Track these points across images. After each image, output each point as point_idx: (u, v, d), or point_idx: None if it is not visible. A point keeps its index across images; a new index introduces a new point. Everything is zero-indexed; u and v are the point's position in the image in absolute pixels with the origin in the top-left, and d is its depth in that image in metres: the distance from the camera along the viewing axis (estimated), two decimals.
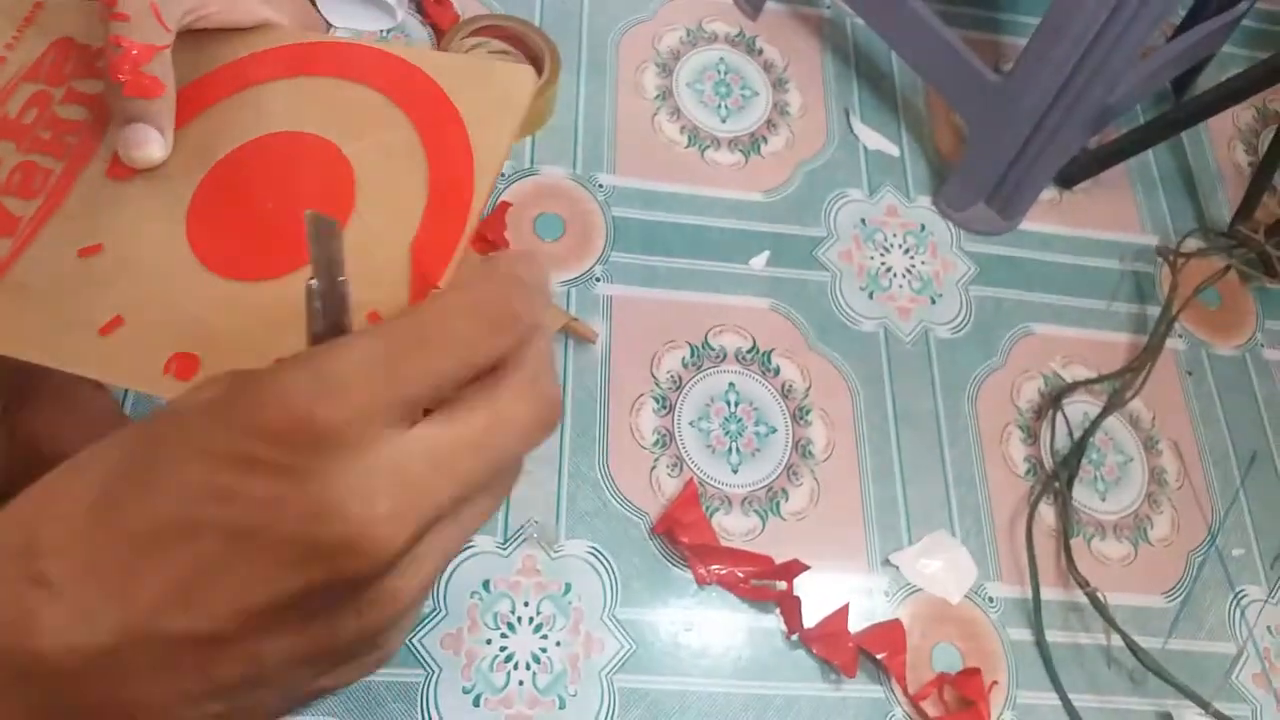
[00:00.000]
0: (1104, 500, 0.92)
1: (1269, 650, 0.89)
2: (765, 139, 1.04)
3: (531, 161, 0.97)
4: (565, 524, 0.81)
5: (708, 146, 1.02)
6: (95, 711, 0.26)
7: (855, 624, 0.81)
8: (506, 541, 0.80)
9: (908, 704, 0.79)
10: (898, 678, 0.80)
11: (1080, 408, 0.96)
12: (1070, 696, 0.82)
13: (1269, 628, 0.90)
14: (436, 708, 0.73)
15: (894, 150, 1.07)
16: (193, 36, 0.43)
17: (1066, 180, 1.08)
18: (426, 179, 0.38)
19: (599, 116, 1.01)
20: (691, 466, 0.85)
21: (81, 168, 0.41)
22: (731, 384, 0.90)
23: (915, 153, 1.07)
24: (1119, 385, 0.96)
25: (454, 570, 0.78)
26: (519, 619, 0.77)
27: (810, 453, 0.88)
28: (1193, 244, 1.05)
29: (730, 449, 0.87)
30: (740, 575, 0.81)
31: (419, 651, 0.75)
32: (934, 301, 0.99)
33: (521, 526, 0.80)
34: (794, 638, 0.80)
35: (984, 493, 0.90)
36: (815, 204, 1.02)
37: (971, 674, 0.81)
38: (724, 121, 1.04)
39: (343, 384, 0.25)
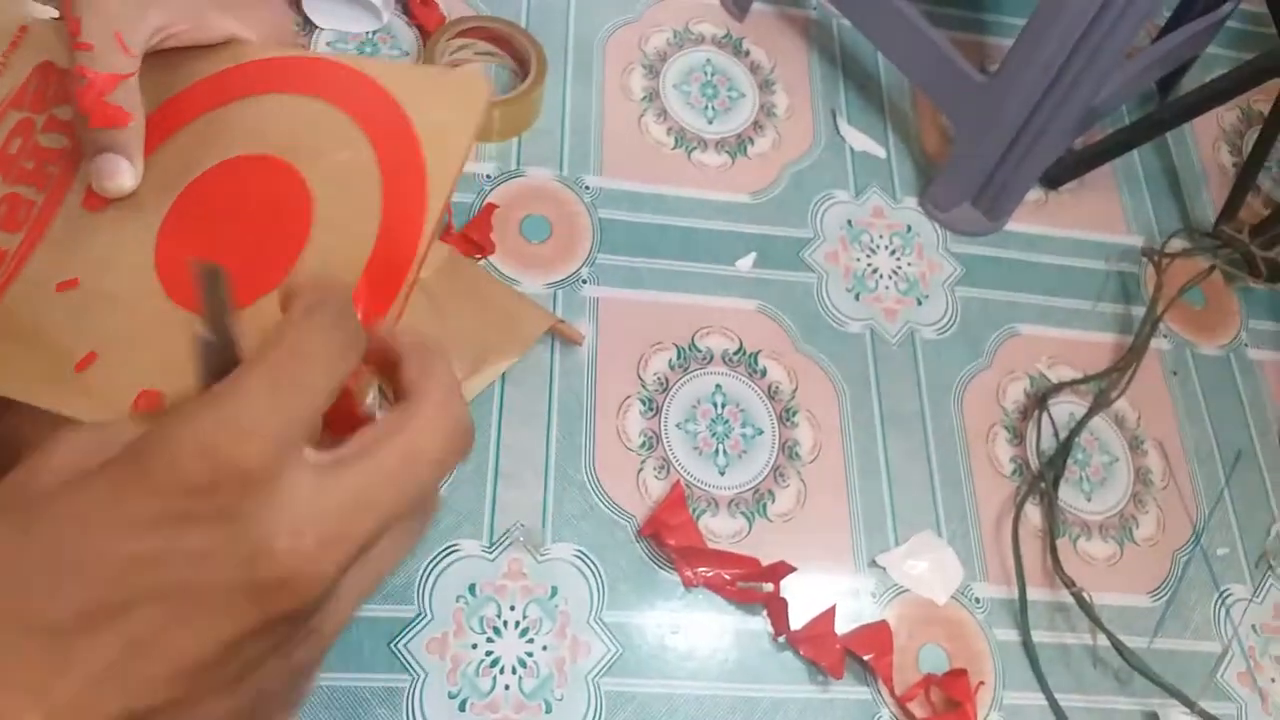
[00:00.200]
0: (1090, 500, 0.92)
1: (1254, 649, 0.89)
2: (752, 140, 1.04)
3: (518, 163, 0.96)
4: (551, 527, 0.81)
5: (694, 148, 1.02)
6: None
7: (842, 625, 0.81)
8: (492, 545, 0.79)
9: (894, 705, 0.80)
10: (885, 679, 0.80)
11: (1066, 408, 0.96)
12: (1057, 696, 0.82)
13: (1254, 626, 0.90)
14: (422, 713, 0.73)
15: (880, 151, 1.07)
16: (160, 56, 0.43)
17: (1052, 181, 1.08)
18: (381, 202, 0.38)
19: (585, 118, 1.01)
20: (678, 469, 0.85)
21: (61, 198, 0.41)
22: (718, 386, 0.90)
23: (901, 154, 1.07)
24: (1104, 385, 0.96)
25: (439, 574, 0.78)
26: (505, 623, 0.77)
27: (797, 454, 0.88)
28: (1177, 244, 1.06)
29: (717, 451, 0.87)
30: (727, 577, 0.81)
31: (404, 657, 0.74)
32: (920, 302, 0.99)
33: (507, 530, 0.80)
34: (781, 639, 0.80)
35: (970, 493, 0.90)
36: (802, 205, 1.02)
37: (958, 675, 0.81)
38: (711, 123, 1.04)
39: (252, 423, 0.25)
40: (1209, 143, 1.18)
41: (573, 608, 0.78)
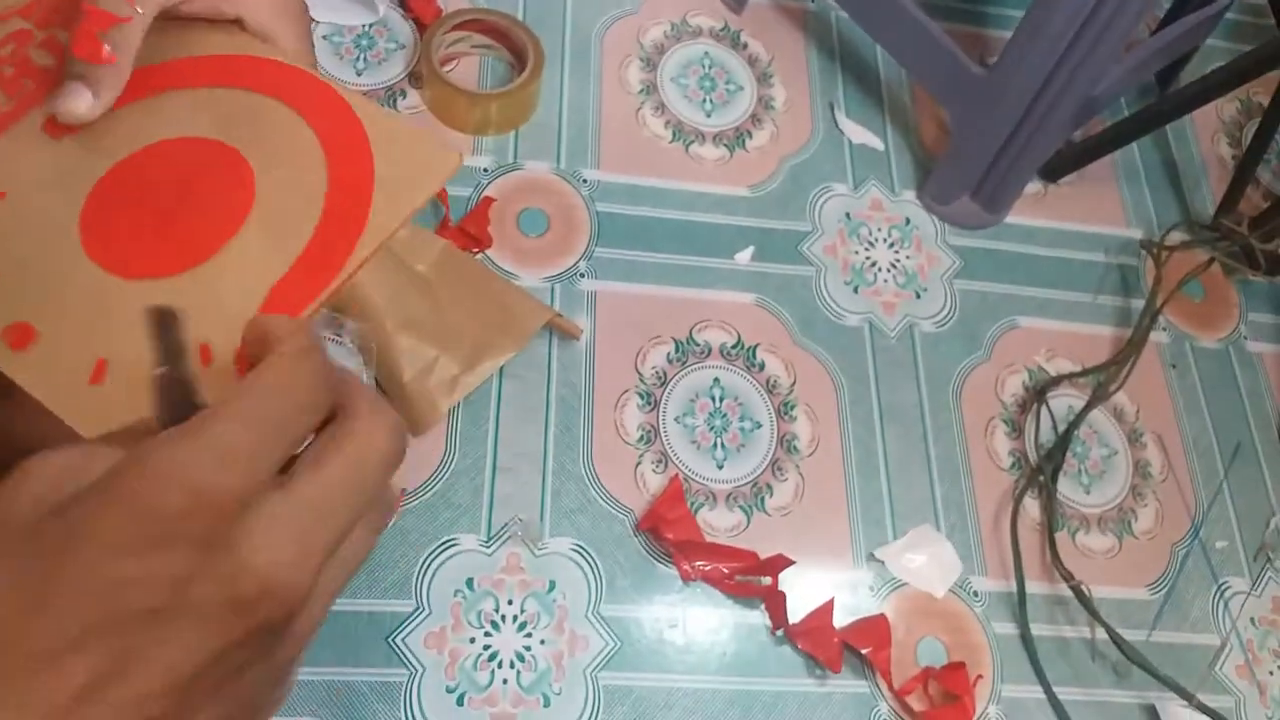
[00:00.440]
0: (1088, 493, 0.92)
1: (1252, 642, 0.89)
2: (750, 133, 1.04)
3: (515, 156, 0.96)
4: (549, 521, 0.81)
5: (692, 141, 1.02)
6: None
7: (840, 619, 0.81)
8: (490, 539, 0.79)
9: (893, 699, 0.80)
10: (883, 672, 0.80)
11: (1065, 401, 0.96)
12: (1055, 689, 0.82)
13: (1252, 619, 0.90)
14: (420, 707, 0.73)
15: (879, 144, 1.07)
16: (174, 24, 0.44)
17: (1051, 174, 1.08)
18: (314, 228, 0.39)
19: (583, 111, 1.00)
20: (676, 462, 0.85)
21: (25, 112, 0.42)
22: (716, 379, 0.90)
23: (900, 147, 1.07)
24: (1103, 378, 0.96)
25: (437, 569, 0.77)
26: (503, 617, 0.77)
27: (795, 448, 0.88)
28: (1176, 237, 1.05)
29: (715, 444, 0.87)
30: (725, 571, 0.81)
31: (402, 651, 0.74)
32: (919, 296, 0.99)
33: (505, 524, 0.80)
34: (779, 633, 0.80)
35: (969, 487, 0.90)
36: (800, 198, 1.01)
37: (956, 668, 0.81)
38: (709, 116, 1.04)
39: (227, 452, 0.27)
40: (1208, 135, 1.18)
41: (571, 602, 0.78)
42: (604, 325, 0.90)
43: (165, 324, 0.31)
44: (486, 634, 0.76)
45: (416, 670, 0.74)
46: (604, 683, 0.76)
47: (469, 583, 0.77)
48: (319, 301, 0.38)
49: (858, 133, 1.06)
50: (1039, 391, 0.95)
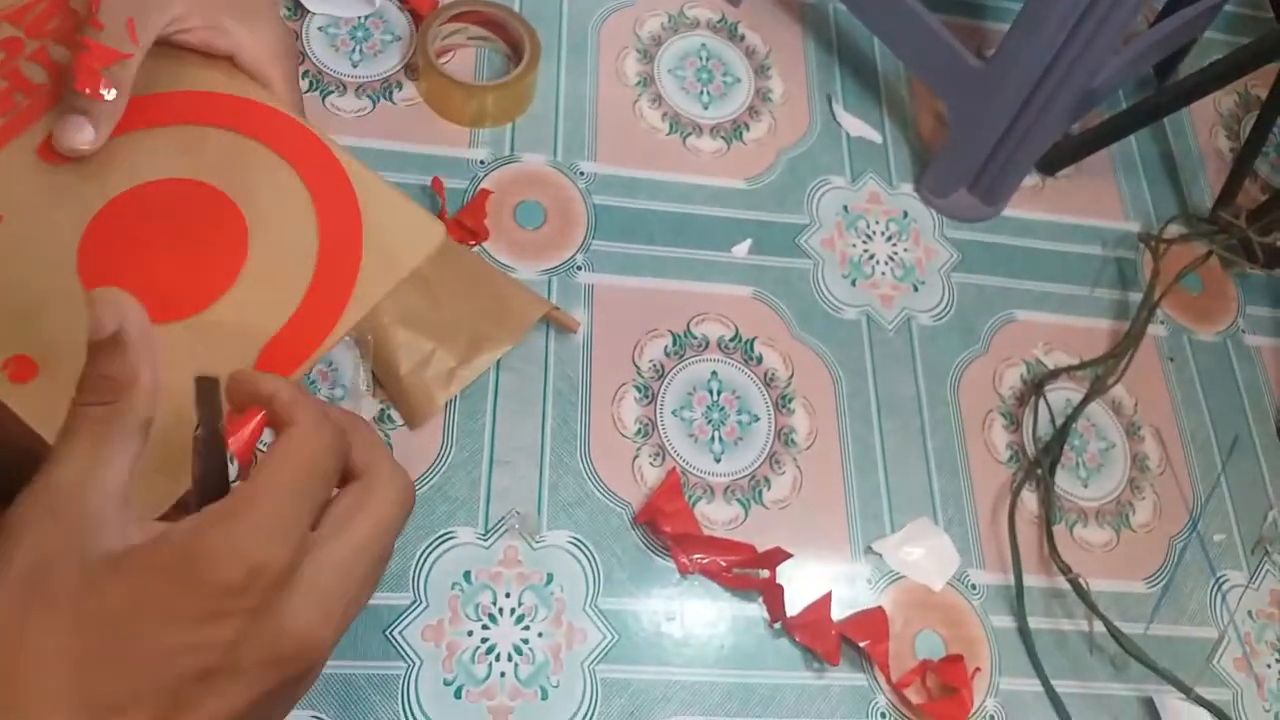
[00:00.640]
0: (1086, 486, 0.92)
1: (1250, 635, 0.89)
2: (747, 126, 1.04)
3: (512, 149, 0.96)
4: (547, 514, 0.81)
5: (689, 133, 1.02)
6: None
7: (838, 612, 0.81)
8: (488, 532, 0.79)
9: (891, 691, 0.79)
10: (881, 665, 0.80)
11: (1062, 394, 0.96)
12: (1053, 682, 0.82)
13: (1250, 612, 0.90)
14: (417, 700, 0.73)
15: (876, 137, 1.06)
16: (167, 50, 0.43)
17: (1049, 166, 1.08)
18: (304, 293, 0.40)
19: (579, 103, 1.00)
20: (674, 455, 0.85)
21: (20, 132, 0.42)
22: (714, 372, 0.90)
23: (898, 139, 1.07)
24: (1101, 371, 0.96)
25: (434, 562, 0.77)
26: (500, 610, 0.77)
27: (793, 441, 0.88)
28: (1174, 230, 1.05)
29: (713, 438, 0.87)
30: (723, 564, 0.81)
31: (399, 644, 0.74)
32: (916, 289, 0.98)
33: (503, 517, 0.80)
34: (777, 626, 0.80)
35: (966, 480, 0.90)
36: (797, 191, 1.01)
37: (954, 661, 0.81)
38: (706, 108, 1.03)
39: (277, 528, 0.31)
40: (1206, 128, 1.18)
41: (568, 595, 0.78)
42: (601, 318, 0.90)
43: (208, 390, 0.34)
44: (484, 627, 0.76)
45: (414, 663, 0.74)
46: (602, 675, 0.76)
47: (466, 576, 0.77)
48: (310, 363, 0.39)
49: (855, 125, 1.06)
50: (1037, 385, 0.95)
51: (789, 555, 0.80)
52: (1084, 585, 0.85)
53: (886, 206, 1.02)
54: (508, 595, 0.77)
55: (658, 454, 0.85)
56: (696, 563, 0.81)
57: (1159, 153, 1.14)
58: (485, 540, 0.79)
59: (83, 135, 0.40)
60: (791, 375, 0.91)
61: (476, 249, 0.90)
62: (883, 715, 0.79)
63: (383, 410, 0.82)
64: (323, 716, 0.71)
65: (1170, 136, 1.15)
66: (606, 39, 1.05)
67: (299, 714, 0.71)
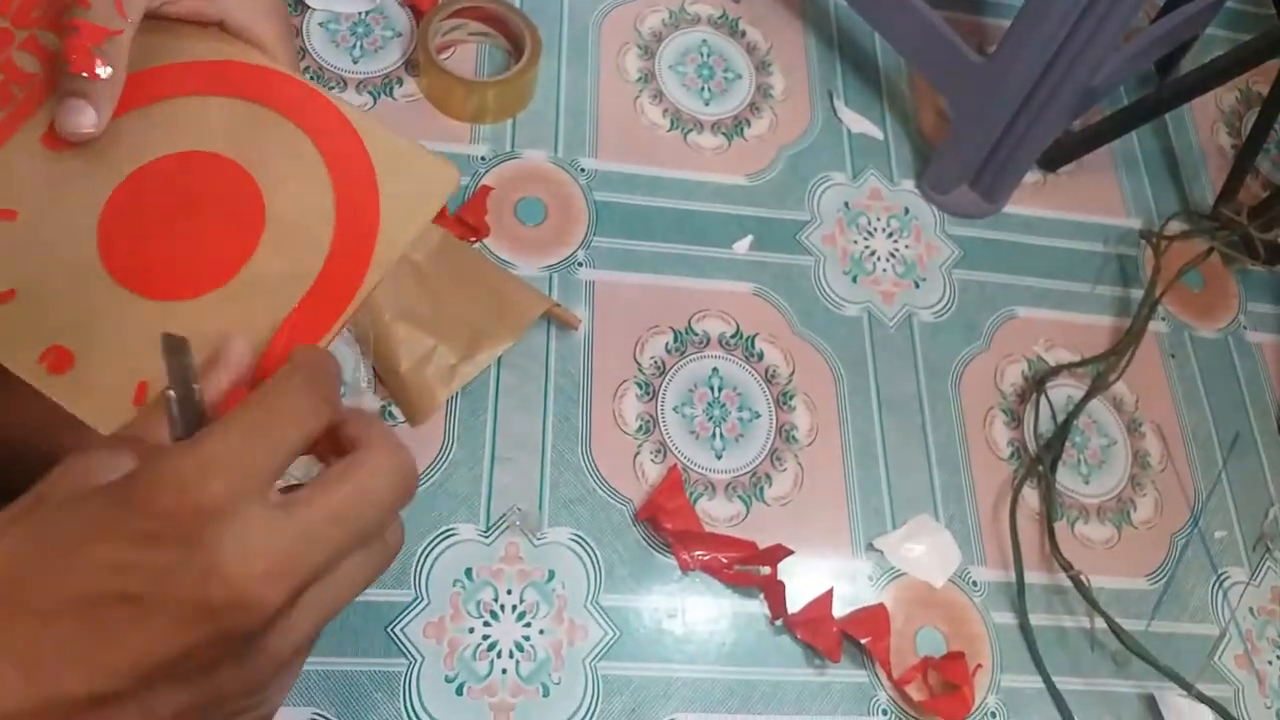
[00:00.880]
0: (1087, 483, 0.92)
1: (1251, 632, 0.89)
2: (748, 122, 1.03)
3: (513, 145, 0.96)
4: (548, 511, 0.81)
5: (690, 130, 1.01)
6: None
7: (839, 609, 0.81)
8: (489, 529, 0.79)
9: (892, 688, 0.79)
10: (882, 662, 0.80)
11: (1064, 391, 0.96)
12: (1054, 679, 0.82)
13: (1251, 609, 0.90)
14: (419, 697, 0.73)
15: (878, 133, 1.06)
16: (160, 24, 0.43)
17: (1050, 163, 1.08)
18: (329, 247, 0.40)
19: (580, 99, 1.00)
20: (675, 452, 0.85)
21: (21, 124, 0.41)
22: (715, 369, 0.89)
23: (899, 136, 1.07)
24: (1102, 368, 0.96)
25: (436, 559, 0.77)
26: (502, 607, 0.76)
27: (794, 438, 0.88)
28: (1176, 226, 1.05)
29: (714, 434, 0.87)
30: (724, 561, 0.81)
31: (401, 641, 0.74)
32: (918, 285, 0.98)
33: (504, 514, 0.80)
34: (778, 623, 0.80)
35: (968, 477, 0.90)
36: (799, 188, 1.01)
37: (955, 658, 0.81)
38: (707, 104, 1.03)
39: (215, 463, 0.29)
40: (1207, 124, 1.17)
41: (570, 591, 0.78)
42: (602, 315, 0.89)
43: (176, 350, 0.32)
44: (485, 624, 0.76)
45: (416, 660, 0.74)
46: (603, 672, 0.76)
47: (468, 572, 0.77)
48: (339, 325, 0.38)
49: (856, 121, 1.06)
50: (1038, 381, 0.95)
51: (790, 552, 0.80)
52: (1085, 582, 0.84)
53: (888, 203, 1.02)
54: (509, 592, 0.77)
55: (659, 451, 0.85)
56: (698, 559, 0.80)
57: (1160, 149, 1.14)
58: (487, 537, 0.79)
59: (84, 118, 0.40)
60: (793, 372, 0.91)
61: (477, 246, 0.90)
62: (884, 712, 0.79)
63: (384, 407, 0.82)
64: (325, 714, 0.71)
65: (1171, 133, 1.15)
66: (607, 35, 1.05)
67: (300, 711, 0.71)
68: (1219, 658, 0.87)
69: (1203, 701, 0.82)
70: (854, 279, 0.97)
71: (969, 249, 1.02)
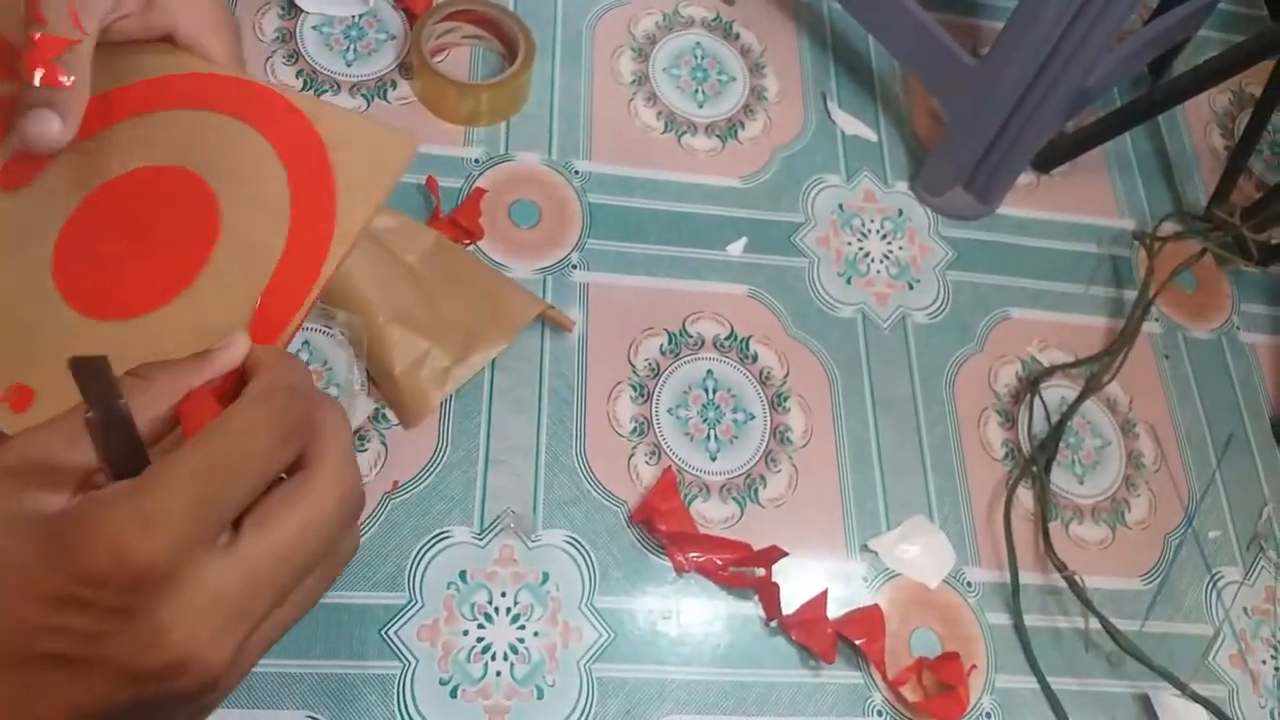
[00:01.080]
0: (1082, 484, 0.92)
1: (1245, 631, 0.89)
2: (742, 124, 1.04)
3: (506, 147, 0.96)
4: (542, 513, 0.81)
5: (684, 132, 1.01)
6: None
7: (834, 610, 0.81)
8: (483, 532, 0.79)
9: (887, 689, 0.79)
10: (876, 663, 0.80)
11: (1058, 392, 0.96)
12: (1049, 680, 0.82)
13: (1245, 609, 0.90)
14: (413, 700, 0.72)
15: (871, 135, 1.06)
16: (110, 49, 0.43)
17: (1044, 164, 1.08)
18: (286, 236, 0.39)
19: (574, 102, 1.00)
20: (669, 454, 0.85)
21: None
22: (709, 371, 0.90)
23: (893, 138, 1.07)
24: (1096, 369, 0.96)
25: (430, 561, 0.77)
26: (496, 609, 0.76)
27: (788, 439, 0.88)
28: (1169, 228, 1.05)
29: (708, 436, 0.87)
30: (719, 562, 0.81)
31: (395, 644, 0.74)
32: (911, 287, 0.98)
33: (498, 516, 0.80)
34: (773, 624, 0.80)
35: (962, 478, 0.90)
36: (793, 190, 1.01)
37: (950, 658, 0.81)
38: (701, 107, 1.03)
39: (159, 520, 0.27)
40: (1200, 126, 1.18)
41: (564, 594, 0.78)
42: (596, 317, 0.89)
43: (88, 370, 0.30)
44: (480, 626, 0.76)
45: (409, 663, 0.74)
46: (598, 674, 0.76)
47: (462, 575, 0.77)
48: (307, 306, 0.38)
49: (850, 123, 1.06)
50: (1032, 382, 0.95)
51: (785, 553, 0.80)
52: (1080, 582, 0.85)
53: (881, 205, 1.02)
54: (503, 594, 0.77)
55: (653, 453, 0.85)
56: (692, 561, 0.81)
57: (1153, 150, 1.14)
58: (481, 539, 0.79)
59: (49, 125, 0.39)
60: (787, 373, 0.91)
61: (471, 248, 0.90)
62: (879, 713, 0.79)
63: (378, 409, 0.82)
64: (318, 717, 0.71)
65: (1165, 134, 1.16)
66: (601, 38, 1.05)
67: (293, 715, 0.71)
68: (1213, 658, 0.87)
69: (1197, 701, 0.82)
70: (848, 281, 0.97)
71: (963, 250, 1.02)
